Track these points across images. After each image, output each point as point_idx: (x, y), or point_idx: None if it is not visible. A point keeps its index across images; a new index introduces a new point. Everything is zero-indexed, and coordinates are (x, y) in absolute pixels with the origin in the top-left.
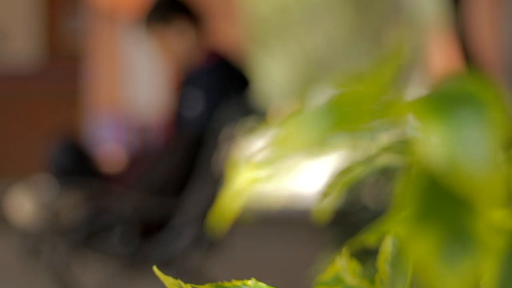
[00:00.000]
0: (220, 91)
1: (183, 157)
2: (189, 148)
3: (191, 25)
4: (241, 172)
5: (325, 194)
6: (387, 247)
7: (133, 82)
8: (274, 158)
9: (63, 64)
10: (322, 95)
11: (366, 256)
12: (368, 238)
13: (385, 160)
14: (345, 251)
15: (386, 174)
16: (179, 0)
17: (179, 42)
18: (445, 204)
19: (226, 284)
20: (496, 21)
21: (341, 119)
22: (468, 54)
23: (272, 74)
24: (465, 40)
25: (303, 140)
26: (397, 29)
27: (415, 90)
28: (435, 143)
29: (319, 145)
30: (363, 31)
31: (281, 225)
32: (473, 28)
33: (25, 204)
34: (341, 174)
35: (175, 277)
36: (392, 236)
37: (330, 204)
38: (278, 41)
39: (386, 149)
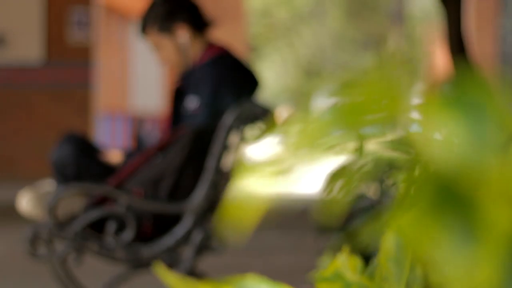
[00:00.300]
0: (220, 83)
1: (179, 153)
2: (188, 143)
3: (188, 28)
4: (254, 172)
5: (327, 188)
6: (389, 243)
7: (138, 78)
8: (288, 155)
9: (70, 63)
10: (321, 99)
11: (367, 252)
12: (368, 232)
13: (387, 154)
14: (345, 247)
15: (388, 166)
16: (174, 5)
17: (175, 44)
18: (452, 200)
19: (227, 279)
20: (491, 18)
21: (349, 118)
22: (462, 50)
23: (267, 78)
24: (459, 37)
25: (315, 136)
26: (391, 35)
27: (417, 89)
28: (445, 142)
29: (327, 143)
30: (351, 36)
31: (282, 223)
32: (467, 24)
33: (28, 202)
34: (344, 169)
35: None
36: (394, 231)
37: (337, 198)
38: (271, 46)
39: (389, 144)
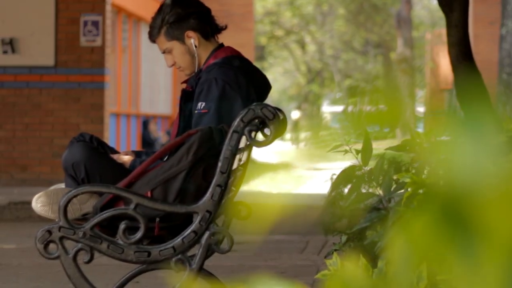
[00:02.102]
0: (228, 85)
1: (187, 154)
2: (196, 145)
3: (197, 33)
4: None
5: (335, 186)
6: (397, 244)
7: (147, 80)
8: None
9: (81, 66)
10: (328, 104)
11: (373, 253)
12: (375, 232)
13: (393, 157)
14: (352, 248)
15: (393, 164)
16: (183, 11)
17: (184, 49)
18: (457, 206)
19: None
20: (493, 20)
21: (356, 123)
22: (466, 52)
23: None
24: (462, 43)
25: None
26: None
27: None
28: (449, 147)
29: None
30: (357, 39)
31: (289, 224)
32: (470, 30)
33: (41, 203)
34: (351, 171)
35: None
36: (402, 233)
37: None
38: (276, 48)
39: (395, 148)
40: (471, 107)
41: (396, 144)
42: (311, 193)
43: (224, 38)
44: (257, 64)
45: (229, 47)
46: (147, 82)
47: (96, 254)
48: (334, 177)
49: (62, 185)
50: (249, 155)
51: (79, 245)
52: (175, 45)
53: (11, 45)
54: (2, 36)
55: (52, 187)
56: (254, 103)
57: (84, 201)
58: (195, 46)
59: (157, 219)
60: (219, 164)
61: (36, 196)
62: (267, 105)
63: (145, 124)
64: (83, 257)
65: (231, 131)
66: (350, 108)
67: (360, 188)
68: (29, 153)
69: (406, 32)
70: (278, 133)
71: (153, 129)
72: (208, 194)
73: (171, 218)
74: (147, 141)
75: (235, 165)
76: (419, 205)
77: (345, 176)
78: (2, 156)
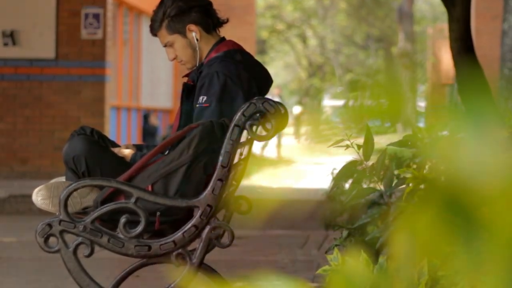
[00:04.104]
0: (229, 79)
1: (188, 148)
2: (197, 139)
3: (198, 26)
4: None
5: (336, 181)
6: (399, 239)
7: (148, 73)
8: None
9: (82, 58)
10: (328, 98)
11: (374, 247)
12: (376, 227)
13: (394, 151)
14: (353, 242)
15: (395, 159)
16: (185, 4)
17: (186, 43)
18: (459, 202)
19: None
20: (495, 15)
21: (357, 117)
22: (467, 47)
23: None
24: (464, 35)
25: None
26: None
27: (423, 89)
28: (450, 141)
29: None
30: (358, 33)
31: (290, 219)
32: (471, 24)
33: (41, 197)
34: (352, 165)
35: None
36: (404, 229)
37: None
38: (277, 42)
39: (396, 143)
40: (473, 102)
41: (397, 139)
42: (312, 187)
43: (226, 32)
44: (258, 58)
45: (230, 41)
46: (148, 76)
47: (97, 248)
48: (335, 171)
49: (63, 179)
50: (250, 149)
51: (80, 239)
52: (176, 38)
53: (12, 37)
54: (3, 28)
55: (53, 181)
56: (256, 97)
57: (84, 194)
58: (197, 40)
59: (158, 213)
60: (220, 158)
61: (37, 189)
62: (268, 99)
63: (146, 117)
64: (83, 251)
65: (232, 125)
66: (351, 103)
67: (361, 183)
68: (30, 146)
69: (407, 27)
70: (279, 127)
71: (153, 122)
72: (209, 188)
73: (172, 212)
74: (148, 132)
75: (236, 159)
76: (420, 201)
77: (346, 171)
78: (2, 149)
